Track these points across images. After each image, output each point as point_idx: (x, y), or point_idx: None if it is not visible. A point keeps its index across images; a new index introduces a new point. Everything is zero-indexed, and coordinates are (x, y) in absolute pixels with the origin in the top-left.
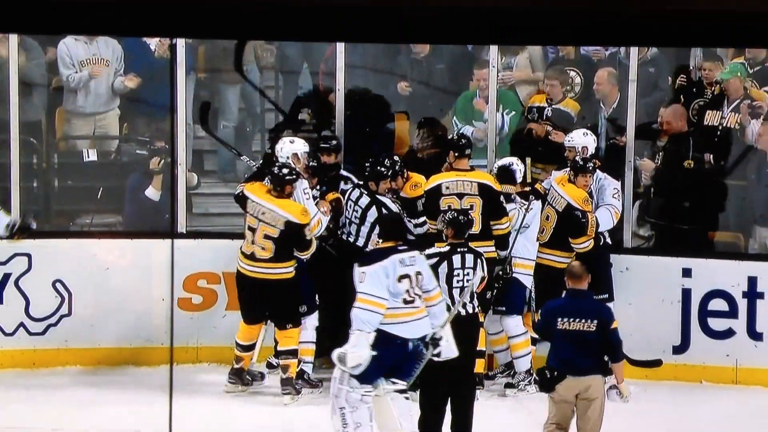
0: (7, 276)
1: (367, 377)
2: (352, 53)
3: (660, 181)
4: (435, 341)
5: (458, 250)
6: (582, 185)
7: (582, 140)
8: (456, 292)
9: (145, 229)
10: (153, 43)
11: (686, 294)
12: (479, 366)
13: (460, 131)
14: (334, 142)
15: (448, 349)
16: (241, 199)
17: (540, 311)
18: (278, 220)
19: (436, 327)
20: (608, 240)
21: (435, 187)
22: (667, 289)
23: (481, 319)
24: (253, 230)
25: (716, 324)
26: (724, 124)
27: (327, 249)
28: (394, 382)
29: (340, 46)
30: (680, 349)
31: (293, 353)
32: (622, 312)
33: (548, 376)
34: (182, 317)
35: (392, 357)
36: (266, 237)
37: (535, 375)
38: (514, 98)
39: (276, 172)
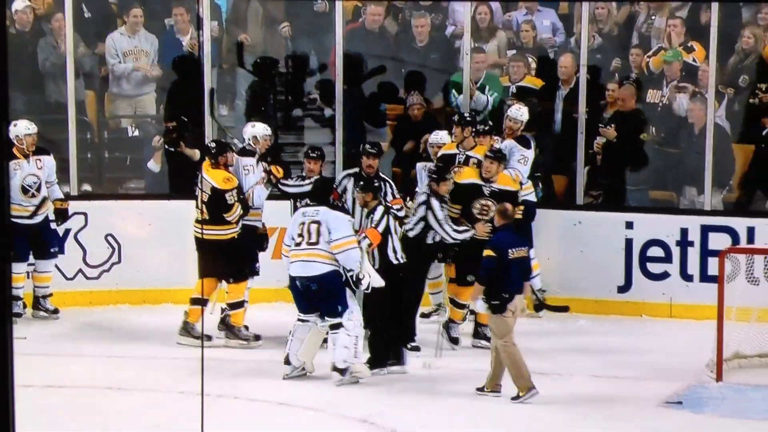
0: (67, 231)
1: (298, 307)
2: (356, 42)
3: (610, 149)
4: (357, 280)
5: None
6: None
7: (526, 114)
8: None
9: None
10: (185, 40)
11: (629, 243)
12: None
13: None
14: (318, 152)
15: (375, 281)
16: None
17: (489, 247)
18: (207, 186)
19: (353, 271)
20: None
21: None
22: (613, 239)
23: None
24: (197, 198)
25: (654, 268)
26: (664, 102)
27: None
28: (325, 319)
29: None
30: (624, 288)
31: (237, 305)
32: (575, 258)
33: (504, 298)
34: None
35: (294, 292)
36: (202, 202)
37: (487, 302)
38: (498, 80)
39: (207, 146)
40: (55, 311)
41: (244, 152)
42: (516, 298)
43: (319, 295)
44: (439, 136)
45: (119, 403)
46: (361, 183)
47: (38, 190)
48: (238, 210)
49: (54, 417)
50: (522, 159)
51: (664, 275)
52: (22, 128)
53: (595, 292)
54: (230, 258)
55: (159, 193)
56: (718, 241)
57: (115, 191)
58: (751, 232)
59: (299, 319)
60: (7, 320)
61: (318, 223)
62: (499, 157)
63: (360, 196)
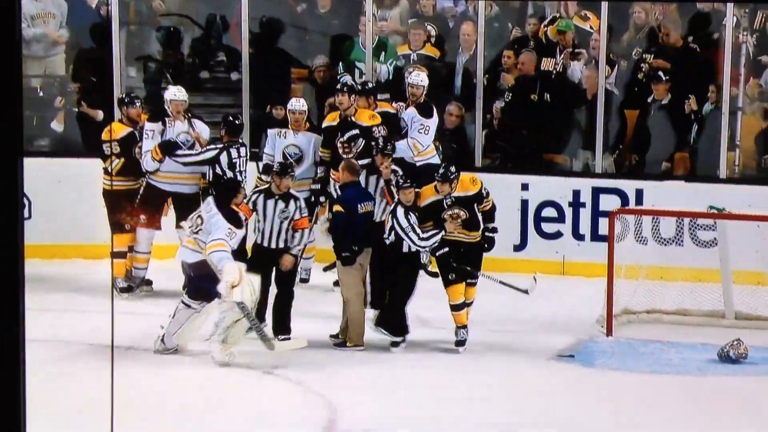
0: None
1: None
2: (259, 7)
3: (508, 113)
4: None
5: None
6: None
7: (425, 79)
8: None
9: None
10: (93, 2)
11: (524, 204)
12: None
13: (342, 79)
14: (238, 121)
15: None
16: None
17: (338, 203)
18: None
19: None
20: None
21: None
22: (510, 199)
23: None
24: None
25: (548, 227)
26: (558, 69)
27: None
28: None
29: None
30: (519, 247)
31: (117, 255)
32: None
33: (353, 251)
34: None
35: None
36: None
37: (338, 255)
38: (393, 48)
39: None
40: None
41: (154, 116)
42: (364, 252)
43: (196, 281)
44: (300, 103)
45: (29, 356)
46: (278, 168)
47: None
48: (112, 162)
49: None
50: (422, 128)
51: (558, 234)
52: None
53: (492, 251)
54: (109, 208)
55: (69, 151)
56: (609, 203)
57: (26, 149)
58: (639, 194)
59: (183, 302)
60: (21, 292)
61: (201, 218)
62: (450, 178)
63: (278, 180)
